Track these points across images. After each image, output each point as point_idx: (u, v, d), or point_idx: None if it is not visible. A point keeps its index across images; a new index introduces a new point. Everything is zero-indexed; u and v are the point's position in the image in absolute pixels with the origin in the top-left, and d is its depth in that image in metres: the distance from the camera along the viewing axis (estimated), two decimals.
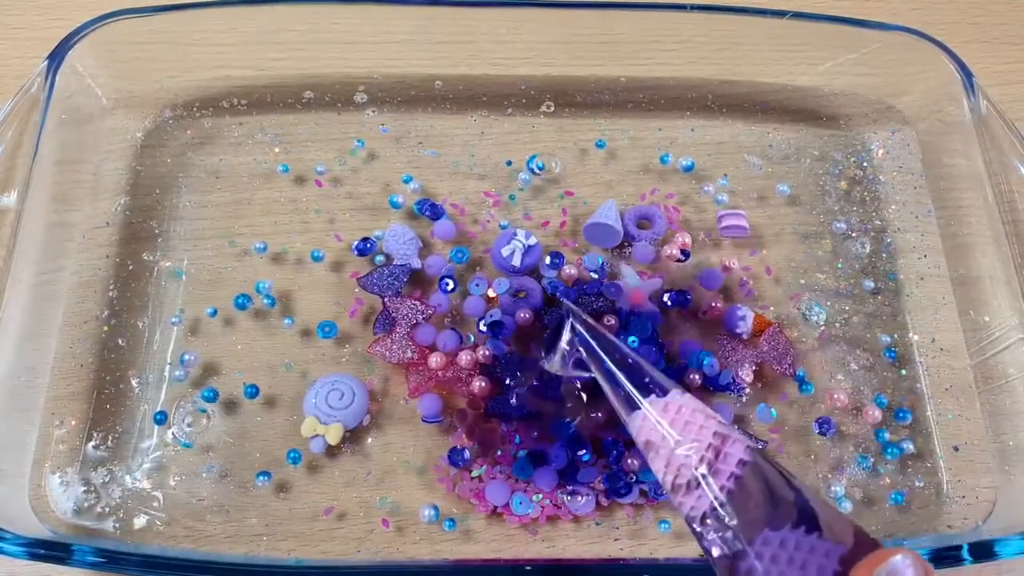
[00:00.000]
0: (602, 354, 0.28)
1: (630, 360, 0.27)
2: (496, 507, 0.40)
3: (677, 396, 0.25)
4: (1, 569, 0.40)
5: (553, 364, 0.33)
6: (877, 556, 0.21)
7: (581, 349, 0.29)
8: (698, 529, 0.24)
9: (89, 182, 0.47)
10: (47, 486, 0.40)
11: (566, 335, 0.30)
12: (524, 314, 0.43)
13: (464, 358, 0.42)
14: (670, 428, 0.24)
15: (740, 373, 0.43)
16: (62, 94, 0.45)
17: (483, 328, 0.43)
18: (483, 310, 0.44)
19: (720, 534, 0.22)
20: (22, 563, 0.39)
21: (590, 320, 0.29)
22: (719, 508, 0.23)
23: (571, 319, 0.29)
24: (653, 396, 0.25)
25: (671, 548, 0.40)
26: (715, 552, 0.23)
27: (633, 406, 0.26)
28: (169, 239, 0.46)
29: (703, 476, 0.23)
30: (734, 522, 0.22)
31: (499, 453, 0.41)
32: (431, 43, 0.51)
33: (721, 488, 0.23)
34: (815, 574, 0.21)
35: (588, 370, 0.31)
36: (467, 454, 0.41)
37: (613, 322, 0.43)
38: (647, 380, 0.26)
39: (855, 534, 0.22)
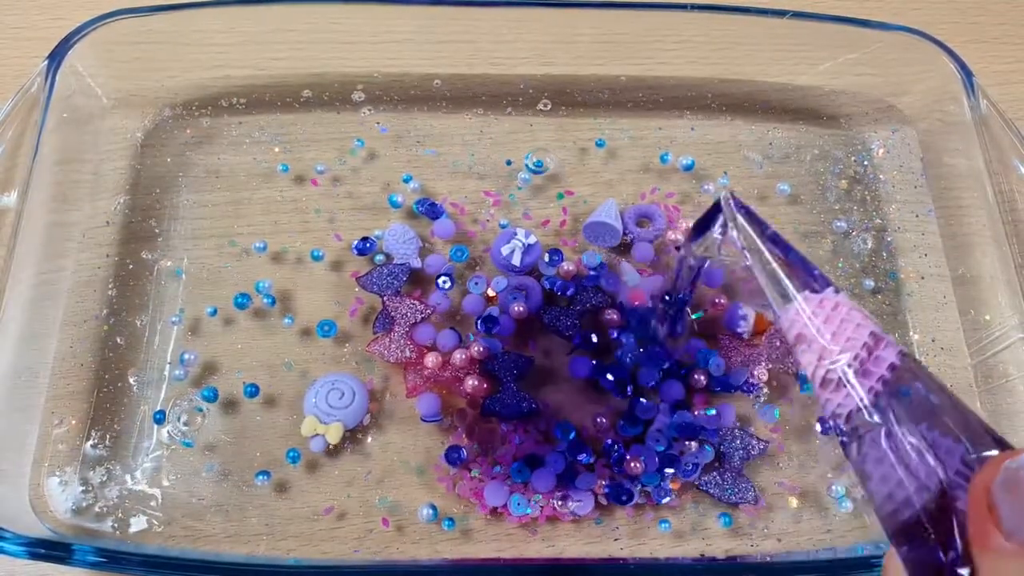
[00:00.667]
0: (759, 242, 0.27)
1: (790, 252, 0.26)
2: (496, 507, 0.40)
3: (833, 293, 0.25)
4: (1, 569, 0.40)
5: (701, 247, 0.32)
6: (1010, 454, 0.21)
7: (737, 234, 0.28)
8: (843, 427, 0.23)
9: (89, 181, 0.47)
10: (47, 486, 0.40)
11: (721, 219, 0.29)
12: (519, 307, 0.43)
13: (458, 357, 0.42)
14: (824, 323, 0.24)
15: (755, 372, 0.43)
16: (62, 94, 0.45)
17: (479, 326, 0.43)
18: (482, 308, 0.44)
19: (862, 432, 0.22)
20: (22, 563, 0.39)
21: (751, 208, 0.28)
22: (864, 409, 0.22)
23: (731, 201, 0.28)
24: (807, 291, 0.25)
25: (672, 548, 0.40)
26: (853, 452, 0.23)
27: (787, 298, 0.25)
28: (169, 238, 0.46)
29: (856, 373, 0.23)
30: (877, 421, 0.22)
31: (499, 452, 0.41)
32: (431, 42, 0.51)
33: (869, 390, 0.23)
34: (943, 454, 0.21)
35: (740, 256, 0.30)
36: (464, 453, 0.41)
37: (614, 316, 0.43)
38: (804, 274, 0.26)
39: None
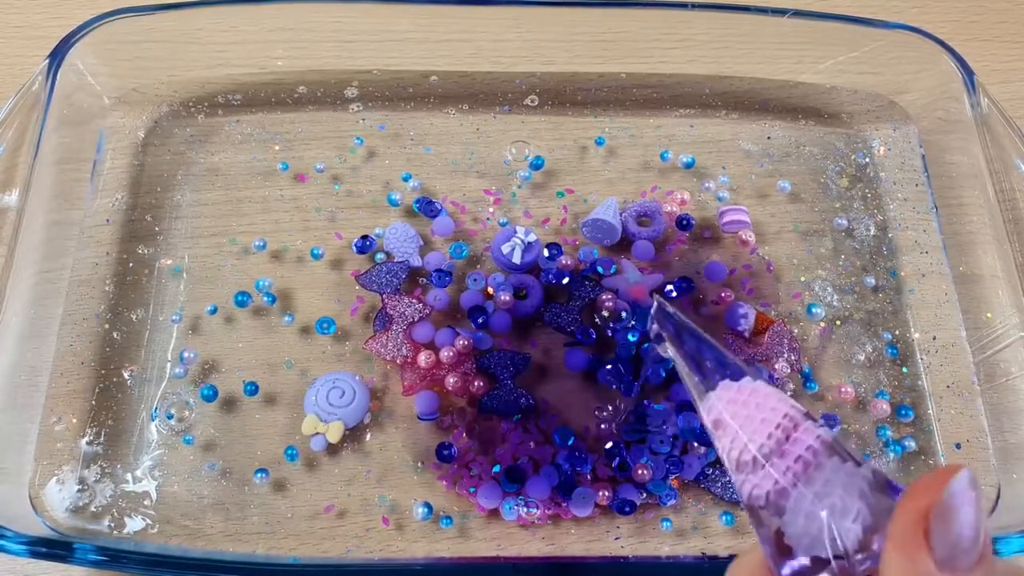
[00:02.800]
0: (679, 339, 0.28)
1: (707, 347, 0.27)
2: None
3: (749, 381, 0.25)
4: (1, 568, 0.40)
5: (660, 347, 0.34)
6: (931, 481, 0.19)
7: (663, 334, 0.29)
8: (758, 508, 0.23)
9: (89, 180, 0.47)
10: (48, 484, 0.40)
11: (654, 328, 0.30)
12: (505, 296, 0.43)
13: (445, 354, 0.42)
14: (741, 408, 0.24)
15: (776, 367, 0.43)
16: (63, 92, 0.45)
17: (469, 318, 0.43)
18: (480, 304, 0.44)
19: (777, 515, 0.23)
20: (22, 561, 0.39)
21: (673, 309, 0.29)
22: (783, 488, 0.23)
23: (656, 305, 0.29)
24: (727, 380, 0.25)
25: (673, 546, 0.40)
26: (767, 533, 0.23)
27: (708, 388, 0.26)
28: (169, 237, 0.46)
29: (769, 454, 0.23)
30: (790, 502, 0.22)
31: (499, 451, 0.41)
32: (431, 41, 0.51)
33: (786, 470, 0.23)
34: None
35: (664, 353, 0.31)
36: (455, 450, 0.41)
37: (610, 301, 0.43)
38: (722, 365, 0.26)
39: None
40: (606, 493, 0.40)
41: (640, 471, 0.40)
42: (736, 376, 0.26)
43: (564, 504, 0.40)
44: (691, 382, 0.27)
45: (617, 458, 0.40)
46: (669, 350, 0.29)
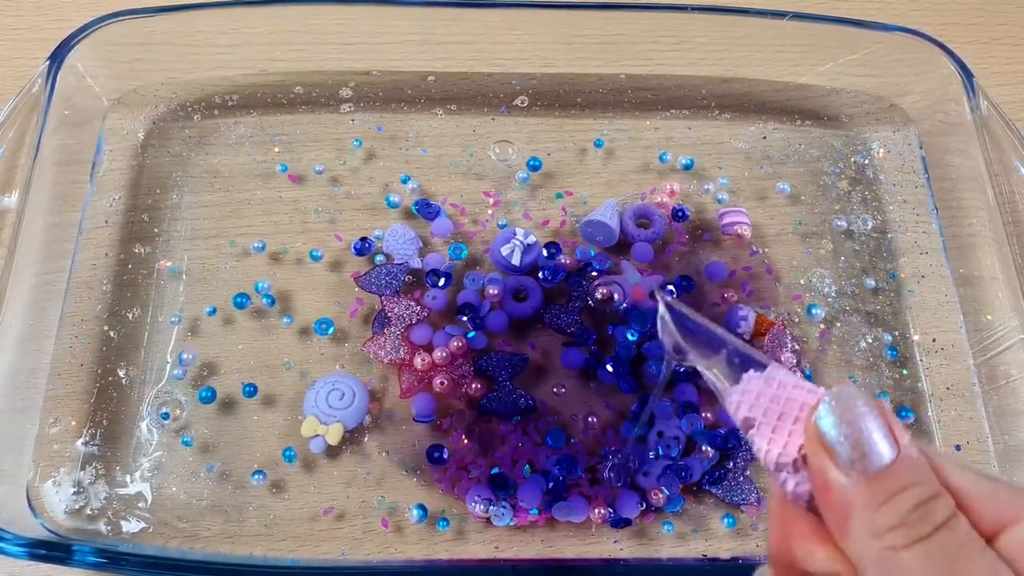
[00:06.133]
0: (695, 336, 0.27)
1: (722, 340, 0.26)
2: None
3: (774, 371, 0.24)
4: (1, 569, 0.39)
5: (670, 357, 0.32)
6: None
7: (677, 336, 0.28)
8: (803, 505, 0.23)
9: (89, 181, 0.47)
10: (47, 486, 0.40)
11: (660, 326, 0.29)
12: (493, 290, 0.43)
13: (438, 354, 0.42)
14: (772, 404, 0.24)
15: (781, 358, 0.43)
16: (63, 94, 0.45)
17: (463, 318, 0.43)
18: (476, 304, 0.44)
19: None
20: (21, 563, 0.39)
21: (683, 308, 0.28)
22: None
23: (662, 308, 0.28)
24: (750, 371, 0.25)
25: (671, 548, 0.40)
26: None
27: (732, 382, 0.25)
28: (168, 238, 0.46)
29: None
30: None
31: (497, 453, 0.41)
32: (430, 43, 0.51)
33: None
34: None
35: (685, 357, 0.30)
36: (446, 452, 0.40)
37: (604, 286, 0.43)
38: (741, 356, 0.25)
39: None
40: (601, 511, 0.39)
41: (655, 495, 0.40)
42: (758, 367, 0.25)
43: (547, 512, 0.39)
44: (712, 378, 0.26)
45: (613, 472, 0.40)
46: (689, 356, 0.28)
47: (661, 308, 0.28)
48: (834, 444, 0.20)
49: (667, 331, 0.29)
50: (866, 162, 0.51)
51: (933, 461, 0.20)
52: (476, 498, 0.39)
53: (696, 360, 0.27)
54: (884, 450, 0.19)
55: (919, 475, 0.19)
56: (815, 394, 0.24)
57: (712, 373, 0.26)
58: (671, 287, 0.44)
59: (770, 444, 0.23)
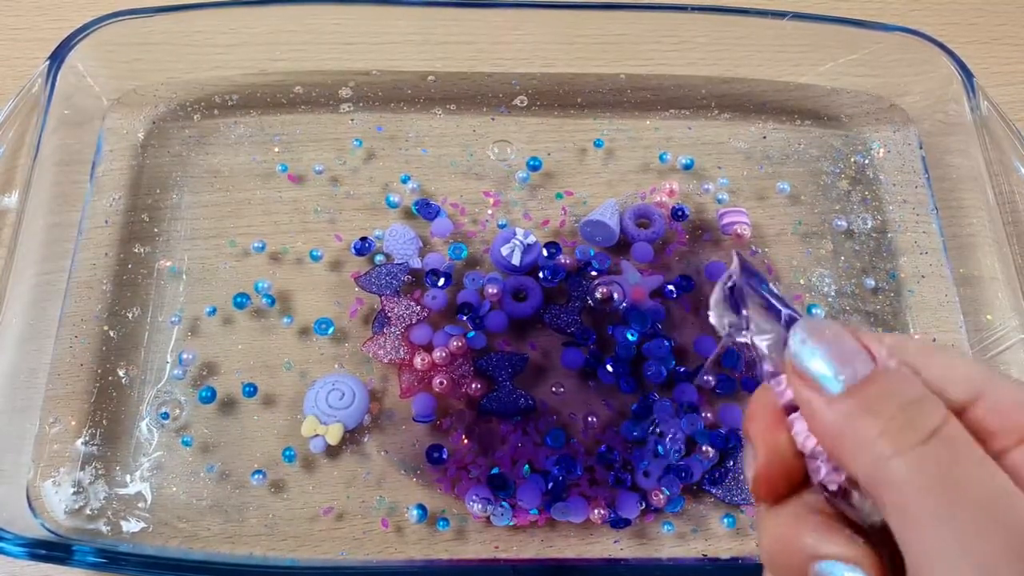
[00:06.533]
0: (765, 309, 0.25)
1: (785, 312, 0.25)
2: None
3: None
4: (1, 569, 0.39)
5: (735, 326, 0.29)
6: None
7: (743, 303, 0.26)
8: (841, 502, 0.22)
9: (89, 181, 0.47)
10: (47, 486, 0.40)
11: (720, 293, 0.27)
12: (492, 288, 0.43)
13: (438, 354, 0.42)
14: None
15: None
16: (63, 94, 0.45)
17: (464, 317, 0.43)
18: (476, 303, 0.44)
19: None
20: (21, 563, 0.39)
21: (756, 269, 0.26)
22: None
23: (735, 267, 0.26)
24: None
25: (671, 548, 0.40)
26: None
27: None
28: (168, 238, 0.46)
29: None
30: None
31: (497, 453, 0.41)
32: (430, 43, 0.51)
33: None
34: None
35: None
36: (445, 453, 0.40)
37: (603, 285, 0.43)
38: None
39: None
40: (600, 511, 0.39)
41: (656, 495, 0.40)
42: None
43: (546, 513, 0.39)
44: (765, 354, 0.24)
45: (612, 472, 0.40)
46: (747, 330, 0.25)
47: (734, 266, 0.26)
48: (811, 372, 0.19)
49: (726, 301, 0.26)
50: (866, 162, 0.51)
51: (915, 362, 0.20)
52: (474, 497, 0.39)
53: (753, 334, 0.25)
54: (859, 364, 0.19)
55: (899, 381, 0.19)
56: None
57: (765, 348, 0.24)
58: (671, 287, 0.44)
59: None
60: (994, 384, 0.19)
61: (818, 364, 0.19)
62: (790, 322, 0.23)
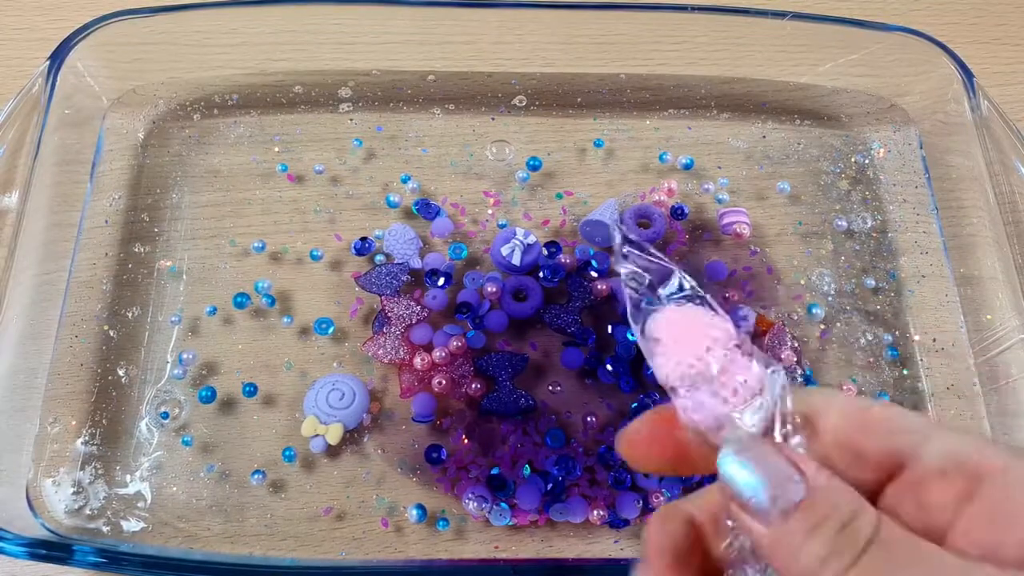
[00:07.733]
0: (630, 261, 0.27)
1: (678, 274, 0.26)
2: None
3: (692, 306, 0.25)
4: (1, 569, 0.39)
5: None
6: None
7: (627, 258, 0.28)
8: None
9: (89, 181, 0.47)
10: (47, 486, 0.40)
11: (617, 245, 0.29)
12: (491, 287, 0.43)
13: (438, 354, 0.42)
14: (683, 330, 0.24)
15: (782, 355, 0.43)
16: (63, 94, 0.45)
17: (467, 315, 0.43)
18: (476, 303, 0.44)
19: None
20: (21, 563, 0.39)
21: (638, 240, 0.28)
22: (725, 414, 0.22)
23: (618, 240, 0.28)
24: (674, 304, 0.25)
25: None
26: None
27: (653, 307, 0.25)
28: (168, 238, 0.46)
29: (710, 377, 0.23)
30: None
31: (498, 453, 0.41)
32: (430, 43, 0.51)
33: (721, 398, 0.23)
34: None
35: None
36: (444, 453, 0.40)
37: (604, 286, 0.43)
38: (677, 291, 0.26)
39: None
40: (600, 512, 0.39)
41: (656, 496, 0.40)
42: (682, 301, 0.25)
43: (546, 514, 0.39)
44: (633, 307, 0.26)
45: (612, 472, 0.40)
46: (624, 270, 0.27)
47: (617, 240, 0.28)
48: (746, 499, 0.20)
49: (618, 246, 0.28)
50: (866, 162, 0.51)
51: (850, 439, 0.20)
52: (470, 495, 0.39)
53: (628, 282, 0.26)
54: (791, 489, 0.20)
55: (834, 497, 0.19)
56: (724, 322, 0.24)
57: (632, 305, 0.25)
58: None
59: (667, 360, 0.23)
60: (929, 439, 0.20)
61: (751, 494, 0.20)
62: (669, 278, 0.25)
